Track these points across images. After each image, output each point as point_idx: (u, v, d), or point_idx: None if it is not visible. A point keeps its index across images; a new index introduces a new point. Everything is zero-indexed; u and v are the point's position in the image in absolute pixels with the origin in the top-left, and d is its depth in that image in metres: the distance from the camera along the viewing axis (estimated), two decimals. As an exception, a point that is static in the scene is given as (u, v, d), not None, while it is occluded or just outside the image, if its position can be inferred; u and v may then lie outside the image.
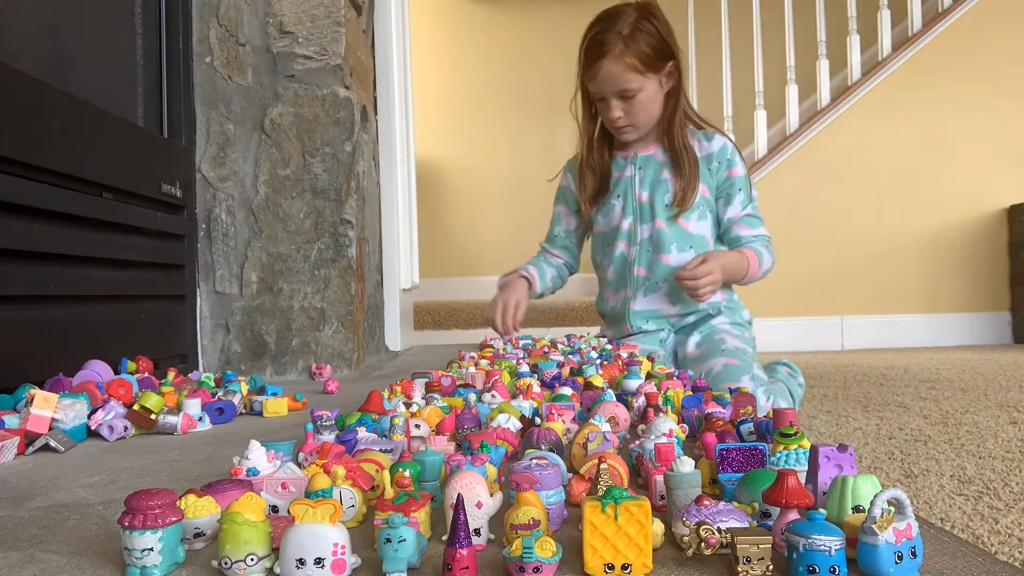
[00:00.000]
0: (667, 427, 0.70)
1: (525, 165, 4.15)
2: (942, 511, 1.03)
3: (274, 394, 1.15)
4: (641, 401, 0.90)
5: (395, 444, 0.69)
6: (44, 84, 1.09)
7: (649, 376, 1.05)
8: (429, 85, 4.02)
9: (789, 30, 3.52)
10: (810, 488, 0.53)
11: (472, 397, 0.90)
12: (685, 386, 1.00)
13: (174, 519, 0.46)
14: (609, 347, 1.51)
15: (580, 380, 1.04)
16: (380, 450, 0.66)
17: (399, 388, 1.00)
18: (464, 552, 0.43)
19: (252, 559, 0.45)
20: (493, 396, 0.91)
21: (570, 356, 1.39)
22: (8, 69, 1.01)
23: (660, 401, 0.86)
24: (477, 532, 0.49)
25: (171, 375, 1.20)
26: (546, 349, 1.55)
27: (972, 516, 1.00)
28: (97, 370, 1.08)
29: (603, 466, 0.53)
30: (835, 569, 0.41)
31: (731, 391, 0.90)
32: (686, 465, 0.54)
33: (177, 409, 1.00)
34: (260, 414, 1.11)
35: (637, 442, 0.69)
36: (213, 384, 1.20)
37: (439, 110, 4.12)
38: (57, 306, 1.14)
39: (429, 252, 3.73)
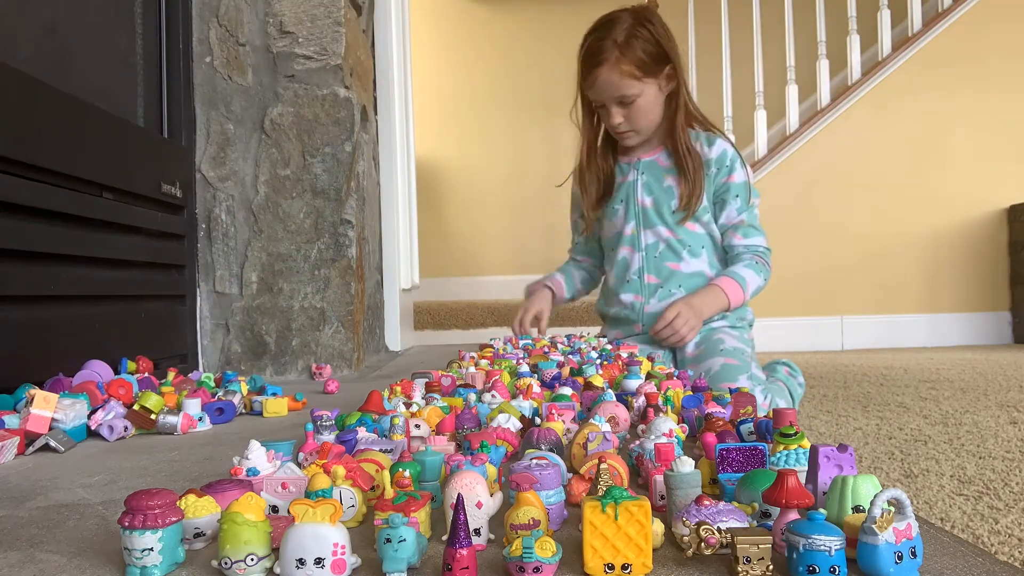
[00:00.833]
0: (667, 427, 0.70)
1: (525, 165, 4.14)
2: (942, 511, 1.03)
3: (274, 394, 1.15)
4: (641, 401, 0.90)
5: (395, 444, 0.69)
6: (44, 84, 1.09)
7: (649, 376, 1.05)
8: (429, 85, 4.02)
9: (789, 30, 3.52)
10: (810, 488, 0.53)
11: (472, 397, 0.90)
12: (685, 386, 1.00)
13: (174, 519, 0.46)
14: (609, 347, 1.51)
15: (580, 380, 1.04)
16: (380, 450, 0.66)
17: (399, 388, 1.00)
18: (464, 552, 0.43)
19: (252, 559, 0.45)
20: (493, 396, 0.91)
21: (570, 356, 1.39)
22: (8, 69, 1.01)
23: (660, 401, 0.86)
24: (477, 532, 0.49)
25: (171, 375, 1.20)
26: (546, 349, 1.54)
27: (972, 516, 1.00)
28: (97, 370, 1.08)
29: (603, 466, 0.53)
30: (835, 569, 0.41)
31: (731, 391, 0.90)
32: (686, 465, 0.54)
33: (177, 409, 1.00)
34: (260, 414, 1.11)
35: (637, 442, 0.69)
36: (213, 384, 1.20)
37: (439, 110, 4.12)
38: (57, 306, 1.14)
39: (429, 252, 3.72)
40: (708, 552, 0.45)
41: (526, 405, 0.85)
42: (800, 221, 3.54)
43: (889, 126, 3.55)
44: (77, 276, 1.17)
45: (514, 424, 0.76)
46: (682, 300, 1.61)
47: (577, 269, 1.87)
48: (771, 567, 0.43)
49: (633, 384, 0.99)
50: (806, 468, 0.56)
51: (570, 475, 0.62)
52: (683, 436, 0.74)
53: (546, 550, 0.43)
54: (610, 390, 0.95)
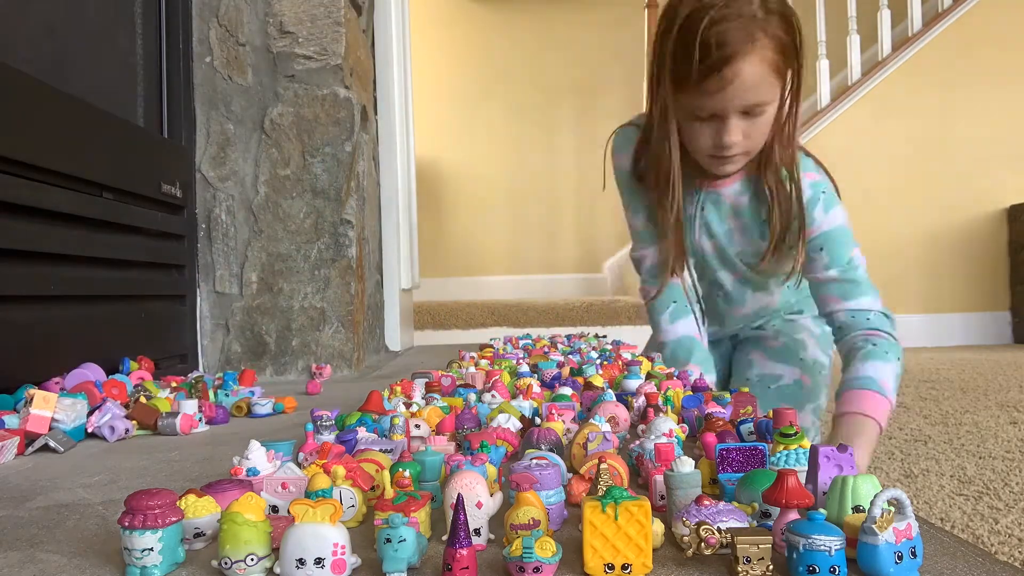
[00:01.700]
0: (667, 427, 0.70)
1: (525, 165, 4.15)
2: (942, 511, 1.03)
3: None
4: (641, 401, 0.90)
5: (395, 444, 0.69)
6: (44, 84, 1.09)
7: (649, 376, 1.05)
8: (429, 85, 4.02)
9: (789, 30, 3.52)
10: (810, 488, 0.53)
11: (472, 397, 0.90)
12: (685, 386, 1.00)
13: (174, 519, 0.46)
14: (609, 347, 1.51)
15: (580, 380, 1.04)
16: (380, 450, 0.66)
17: (399, 388, 1.00)
18: (464, 552, 0.43)
19: (252, 559, 0.45)
20: (493, 396, 0.91)
21: (570, 356, 1.39)
22: (8, 69, 1.01)
23: (660, 401, 0.86)
24: (477, 532, 0.49)
25: (173, 383, 1.19)
26: (546, 349, 1.54)
27: (972, 516, 1.00)
28: (90, 372, 1.08)
29: (603, 466, 0.53)
30: (835, 569, 0.41)
31: (731, 391, 0.90)
32: (686, 465, 0.54)
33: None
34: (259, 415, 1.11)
35: (637, 442, 0.69)
36: (212, 388, 1.20)
37: (439, 110, 4.12)
38: (57, 306, 1.14)
39: (429, 252, 3.73)
40: (708, 552, 0.45)
41: (526, 405, 0.85)
42: (800, 221, 3.54)
43: (889, 126, 3.55)
44: (77, 276, 1.17)
45: (514, 424, 0.76)
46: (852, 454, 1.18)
47: (687, 314, 1.35)
48: (771, 567, 0.43)
49: (633, 384, 0.99)
50: (806, 468, 0.56)
51: (570, 475, 0.62)
52: (683, 436, 0.74)
53: (546, 550, 0.43)
54: (610, 390, 0.95)
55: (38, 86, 1.07)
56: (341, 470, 0.54)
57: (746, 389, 0.88)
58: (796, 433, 0.62)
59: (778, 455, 0.60)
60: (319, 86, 1.61)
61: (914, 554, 0.43)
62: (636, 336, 2.80)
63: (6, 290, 1.00)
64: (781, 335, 1.37)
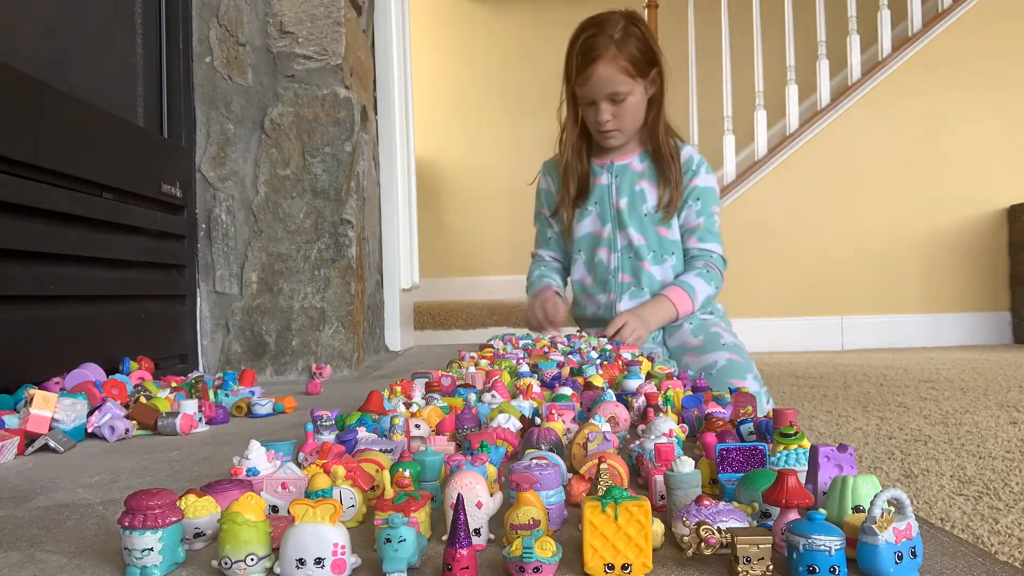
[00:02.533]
0: (667, 427, 0.70)
1: (525, 164, 4.13)
2: (942, 511, 1.03)
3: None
4: (641, 401, 0.90)
5: (395, 444, 0.69)
6: (44, 84, 1.09)
7: (649, 376, 1.05)
8: (429, 85, 4.02)
9: (789, 30, 3.52)
10: (810, 488, 0.53)
11: (472, 397, 0.90)
12: (685, 386, 1.00)
13: (174, 519, 0.46)
14: (609, 347, 1.51)
15: (580, 380, 1.04)
16: (380, 450, 0.66)
17: (399, 388, 1.00)
18: (464, 552, 0.43)
19: (252, 559, 0.45)
20: (493, 396, 0.91)
21: (570, 356, 1.39)
22: (8, 69, 1.01)
23: (660, 401, 0.86)
24: (477, 532, 0.49)
25: (173, 383, 1.19)
26: (546, 349, 1.54)
27: (972, 516, 1.00)
28: (89, 372, 1.08)
29: (603, 466, 0.53)
30: (835, 569, 0.41)
31: (731, 391, 0.90)
32: (686, 465, 0.54)
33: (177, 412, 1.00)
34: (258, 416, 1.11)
35: (637, 442, 0.69)
36: (212, 387, 1.20)
37: (439, 110, 4.12)
38: (57, 306, 1.14)
39: (429, 252, 3.73)
40: (708, 552, 0.45)
41: (526, 405, 0.85)
42: (800, 221, 3.54)
43: (889, 126, 3.55)
44: (77, 276, 1.17)
45: (514, 424, 0.76)
46: (630, 311, 1.64)
47: (555, 272, 1.87)
48: (771, 567, 0.43)
49: (633, 384, 0.99)
50: (806, 468, 0.56)
51: (570, 475, 0.62)
52: (683, 436, 0.74)
53: (546, 550, 0.43)
54: (610, 390, 0.95)
55: (38, 86, 1.07)
56: (341, 470, 0.54)
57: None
58: (796, 433, 0.62)
59: (778, 455, 0.60)
60: (319, 86, 1.61)
61: (914, 554, 0.43)
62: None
63: (6, 290, 1.00)
64: (700, 332, 1.65)
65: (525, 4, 4.21)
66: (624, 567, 0.44)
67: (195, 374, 1.24)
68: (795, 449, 0.60)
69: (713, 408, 0.82)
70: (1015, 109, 3.53)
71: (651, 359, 1.31)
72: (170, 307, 1.51)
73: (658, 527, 0.48)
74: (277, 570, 0.44)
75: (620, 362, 1.26)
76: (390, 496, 0.49)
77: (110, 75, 1.39)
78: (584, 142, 1.75)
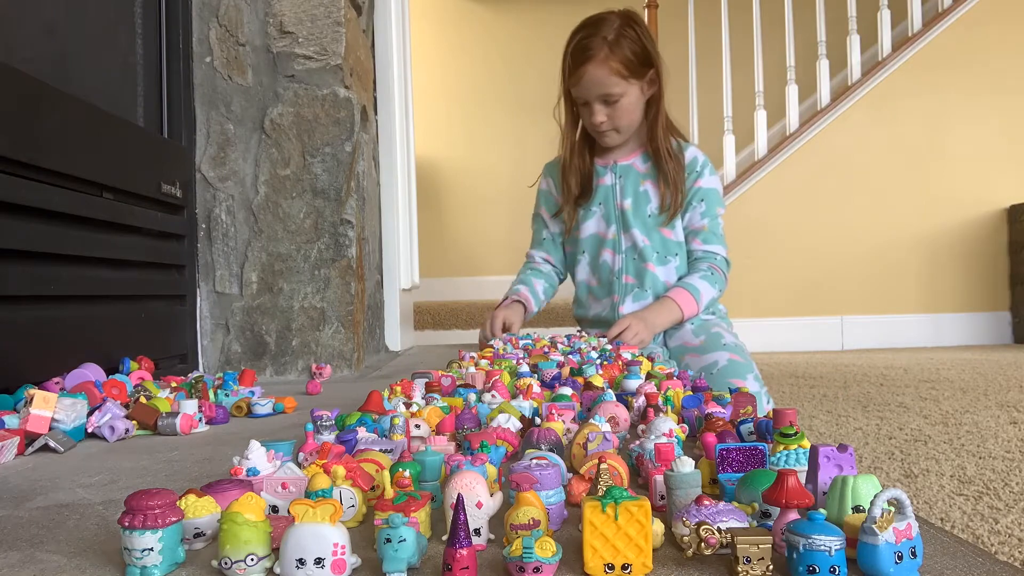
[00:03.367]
0: (667, 427, 0.70)
1: (525, 164, 4.14)
2: (942, 511, 1.03)
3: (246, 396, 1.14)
4: (641, 401, 0.90)
5: (395, 444, 0.69)
6: (44, 84, 1.09)
7: (649, 376, 1.05)
8: (429, 85, 4.02)
9: (789, 30, 3.52)
10: (810, 488, 0.53)
11: (472, 397, 0.90)
12: (685, 386, 1.00)
13: (174, 519, 0.46)
14: (609, 347, 1.51)
15: (580, 380, 1.04)
16: (380, 450, 0.66)
17: (399, 388, 1.00)
18: (464, 552, 0.43)
19: (252, 559, 0.45)
20: (493, 396, 0.91)
21: (570, 356, 1.39)
22: (8, 69, 1.01)
23: (660, 401, 0.86)
24: (477, 532, 0.49)
25: (172, 384, 1.19)
26: (546, 349, 1.54)
27: (972, 516, 1.00)
28: (89, 372, 1.08)
29: (603, 466, 0.53)
30: (835, 569, 0.41)
31: (731, 391, 0.90)
32: (686, 465, 0.54)
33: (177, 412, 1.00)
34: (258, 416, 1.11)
35: (637, 442, 0.69)
36: (212, 387, 1.20)
37: (439, 110, 4.12)
38: (57, 306, 1.14)
39: (429, 252, 3.73)
40: (708, 552, 0.45)
41: (526, 405, 0.85)
42: (800, 221, 3.54)
43: (889, 126, 3.55)
44: (77, 276, 1.17)
45: (514, 424, 0.76)
46: (633, 313, 1.63)
47: (538, 277, 1.84)
48: (771, 567, 0.43)
49: (633, 384, 0.99)
50: (806, 468, 0.56)
51: (570, 475, 0.62)
52: (683, 436, 0.74)
53: (546, 550, 0.43)
54: (610, 390, 0.95)
55: (38, 86, 1.07)
56: (341, 470, 0.54)
57: None
58: (796, 433, 0.62)
59: (778, 455, 0.60)
60: (319, 86, 1.61)
61: (914, 554, 0.43)
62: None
63: (6, 290, 1.00)
64: (701, 332, 1.65)
65: (525, 4, 4.21)
66: (624, 567, 0.44)
67: (195, 374, 1.24)
68: (795, 449, 0.60)
69: (713, 408, 0.82)
70: (1015, 109, 3.53)
71: (651, 359, 1.31)
72: (170, 307, 1.51)
73: (658, 527, 0.48)
74: (277, 570, 0.44)
75: (620, 362, 1.26)
76: (390, 496, 0.49)
77: (110, 75, 1.39)
78: (586, 141, 1.74)
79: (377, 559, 0.45)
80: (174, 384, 1.16)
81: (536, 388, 0.97)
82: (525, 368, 1.17)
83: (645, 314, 1.62)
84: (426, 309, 3.15)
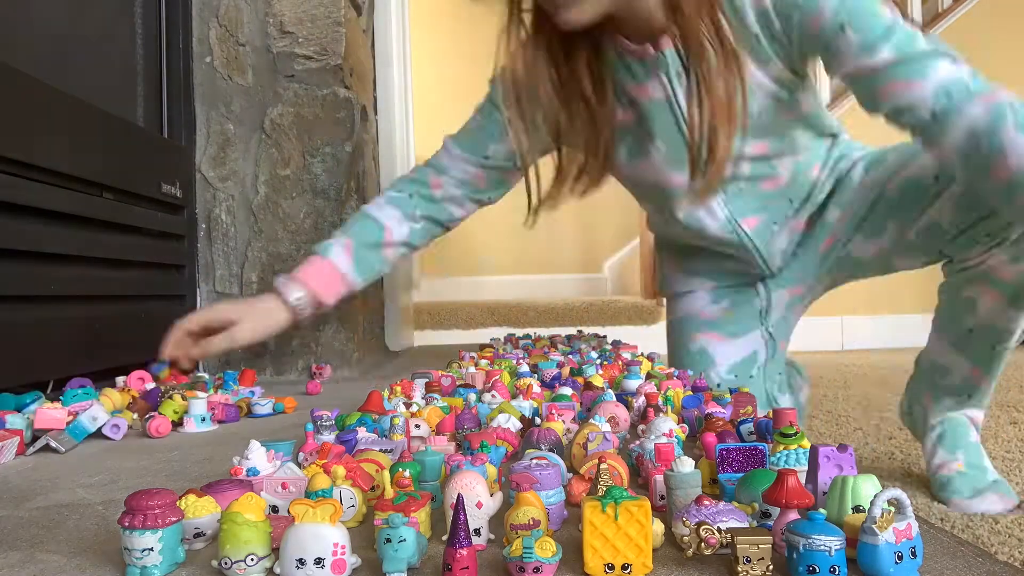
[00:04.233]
0: (667, 427, 0.70)
1: (525, 165, 4.15)
2: (942, 511, 1.03)
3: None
4: (641, 401, 0.90)
5: (395, 444, 0.69)
6: (44, 84, 1.09)
7: (649, 376, 1.05)
8: (429, 85, 4.01)
9: (789, 30, 3.52)
10: (810, 488, 0.53)
11: (472, 397, 0.90)
12: (685, 386, 1.00)
13: (174, 519, 0.46)
14: (609, 347, 1.51)
15: (580, 380, 1.04)
16: (380, 450, 0.66)
17: (399, 388, 1.00)
18: (464, 552, 0.43)
19: (252, 559, 0.45)
20: (493, 396, 0.91)
21: (570, 356, 1.39)
22: (8, 69, 1.01)
23: (660, 401, 0.86)
24: (477, 532, 0.49)
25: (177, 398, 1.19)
26: (546, 349, 1.55)
27: (972, 516, 1.00)
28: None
29: (603, 466, 0.53)
30: (835, 569, 0.41)
31: (731, 391, 0.90)
32: (686, 465, 0.54)
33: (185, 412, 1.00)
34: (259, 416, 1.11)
35: (637, 442, 0.69)
36: (212, 387, 1.20)
37: (439, 110, 4.12)
38: (57, 306, 1.14)
39: (429, 252, 3.72)
40: (708, 552, 0.45)
41: (526, 405, 0.85)
42: (800, 221, 3.53)
43: (889, 126, 3.54)
44: (77, 276, 1.17)
45: (514, 424, 0.76)
46: None
47: (404, 207, 1.18)
48: (771, 567, 0.43)
49: (633, 384, 0.99)
50: (806, 468, 0.56)
51: (570, 475, 0.62)
52: (683, 436, 0.75)
53: (546, 550, 0.43)
54: (610, 390, 0.95)
55: (38, 86, 1.07)
56: (341, 470, 0.54)
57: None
58: (796, 433, 0.62)
59: (778, 455, 0.60)
60: (319, 86, 1.61)
61: (914, 554, 0.43)
62: (636, 336, 2.80)
63: (6, 290, 1.00)
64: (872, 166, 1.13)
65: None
66: (624, 567, 0.44)
67: (196, 374, 1.24)
68: (795, 449, 0.60)
69: (713, 408, 0.82)
70: (1015, 109, 3.53)
71: (651, 359, 1.31)
72: (170, 307, 1.51)
73: (658, 527, 0.48)
74: (277, 570, 0.44)
75: (620, 362, 1.26)
76: (390, 496, 0.49)
77: (110, 75, 1.39)
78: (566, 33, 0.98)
79: (377, 559, 0.45)
80: (172, 384, 1.16)
81: (536, 388, 0.97)
82: (525, 368, 1.17)
83: None
84: (426, 309, 3.15)
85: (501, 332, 2.93)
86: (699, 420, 0.82)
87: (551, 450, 0.66)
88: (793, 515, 0.46)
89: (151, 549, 0.45)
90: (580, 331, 1.82)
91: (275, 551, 0.46)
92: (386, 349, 2.14)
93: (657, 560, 0.46)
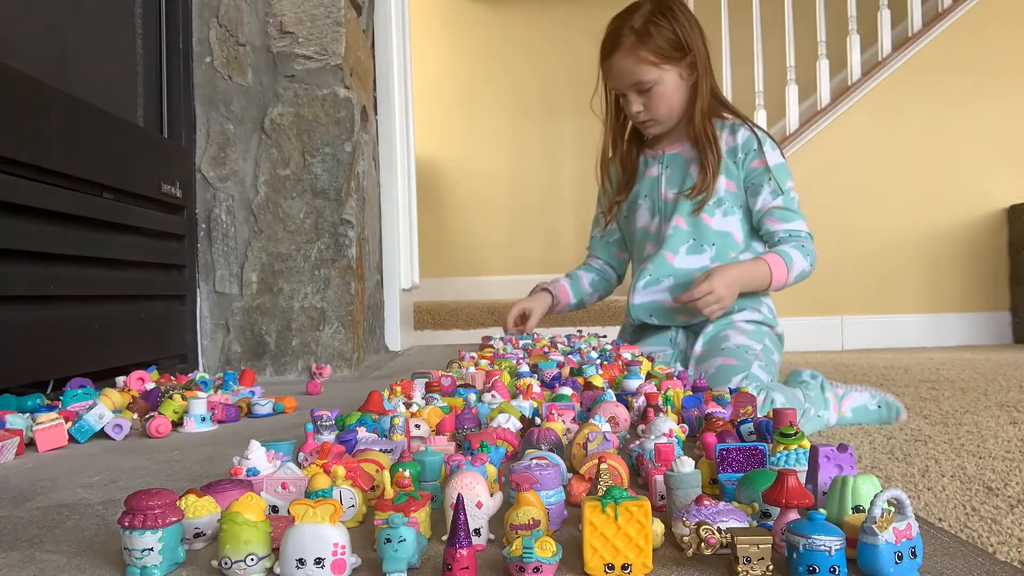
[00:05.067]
0: (667, 427, 0.70)
1: (525, 165, 4.15)
2: (942, 511, 1.03)
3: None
4: (641, 401, 0.90)
5: (395, 444, 0.69)
6: (44, 84, 1.09)
7: (649, 376, 1.05)
8: (429, 85, 4.01)
9: (789, 30, 3.52)
10: (810, 488, 0.53)
11: (472, 397, 0.90)
12: (685, 386, 1.00)
13: (174, 519, 0.46)
14: (609, 347, 1.51)
15: (580, 380, 1.04)
16: (380, 450, 0.66)
17: (399, 388, 1.00)
18: (464, 552, 0.43)
19: (252, 559, 0.45)
20: (493, 396, 0.91)
21: (570, 356, 1.39)
22: (8, 69, 1.01)
23: (660, 401, 0.86)
24: (477, 532, 0.49)
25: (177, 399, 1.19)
26: (546, 349, 1.54)
27: (972, 516, 1.00)
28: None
29: (603, 466, 0.53)
30: (835, 569, 0.41)
31: (731, 391, 0.90)
32: (686, 465, 0.54)
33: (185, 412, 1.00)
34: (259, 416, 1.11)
35: (637, 442, 0.69)
36: (212, 388, 1.20)
37: (439, 110, 4.12)
38: (57, 306, 1.14)
39: (429, 252, 3.72)
40: (708, 552, 0.45)
41: (526, 405, 0.85)
42: (800, 221, 3.53)
43: (889, 126, 3.54)
44: (77, 276, 1.17)
45: (514, 424, 0.76)
46: (718, 270, 1.50)
47: (587, 271, 1.85)
48: (771, 567, 0.43)
49: (633, 384, 0.99)
50: (806, 468, 0.56)
51: (570, 475, 0.62)
52: (683, 436, 0.75)
53: (546, 550, 0.43)
54: (610, 390, 0.95)
55: (38, 86, 1.07)
56: (341, 470, 0.54)
57: None
58: (796, 433, 0.62)
59: (778, 455, 0.60)
60: (319, 86, 1.61)
61: (914, 554, 0.43)
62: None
63: (6, 290, 1.00)
64: (709, 342, 1.59)
65: (525, 4, 4.20)
66: (624, 567, 0.44)
67: (196, 374, 1.24)
68: (795, 449, 0.60)
69: (713, 408, 0.82)
70: (1015, 109, 3.52)
71: (651, 359, 1.31)
72: (170, 307, 1.51)
73: (658, 527, 0.48)
74: (277, 570, 0.44)
75: (620, 362, 1.26)
76: (390, 496, 0.49)
77: (110, 75, 1.39)
78: (637, 134, 1.73)
79: (377, 559, 0.45)
80: (172, 383, 1.16)
81: (536, 388, 0.97)
82: (525, 368, 1.17)
83: (727, 270, 1.51)
84: (426, 309, 3.15)
85: (500, 332, 2.93)
86: (699, 420, 0.82)
87: (551, 450, 0.66)
88: (793, 515, 0.46)
89: (151, 549, 0.45)
90: (580, 331, 1.82)
91: (275, 551, 0.46)
92: (386, 349, 2.13)
93: (657, 560, 0.46)
